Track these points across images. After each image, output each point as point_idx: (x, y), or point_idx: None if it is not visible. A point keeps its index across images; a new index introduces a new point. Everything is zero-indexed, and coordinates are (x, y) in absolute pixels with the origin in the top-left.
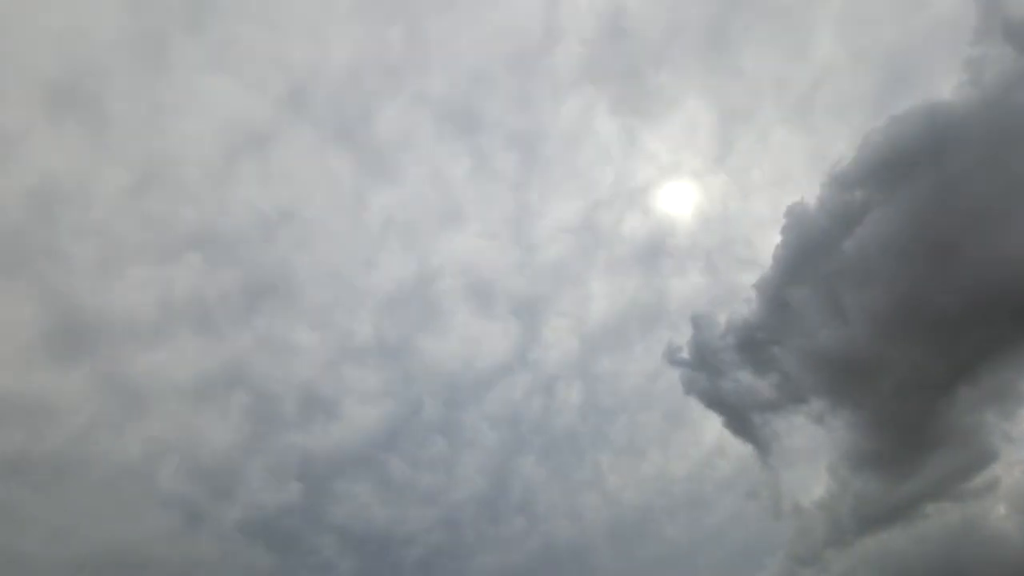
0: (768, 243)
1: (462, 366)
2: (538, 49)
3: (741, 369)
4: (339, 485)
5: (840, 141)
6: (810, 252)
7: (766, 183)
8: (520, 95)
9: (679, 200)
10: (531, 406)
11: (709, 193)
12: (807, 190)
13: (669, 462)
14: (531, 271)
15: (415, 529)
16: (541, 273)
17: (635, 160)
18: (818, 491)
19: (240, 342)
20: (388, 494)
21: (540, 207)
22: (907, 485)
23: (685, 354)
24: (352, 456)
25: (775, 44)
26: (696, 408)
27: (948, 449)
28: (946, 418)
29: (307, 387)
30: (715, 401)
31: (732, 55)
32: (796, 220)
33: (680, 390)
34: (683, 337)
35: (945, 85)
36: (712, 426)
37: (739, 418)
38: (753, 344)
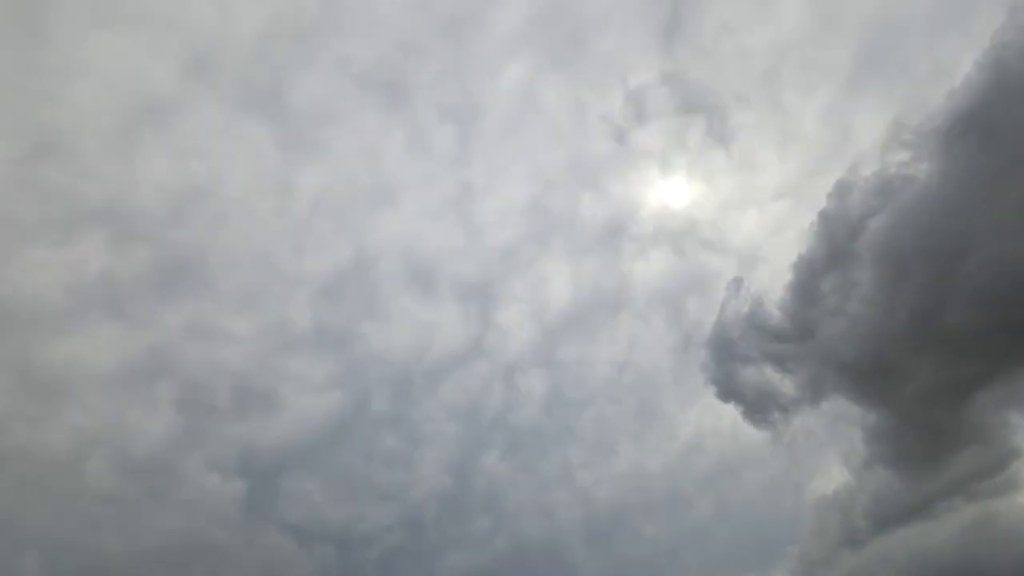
0: (735, 226)
1: (413, 355)
2: (473, 13)
3: (763, 364)
4: (287, 481)
5: (808, 117)
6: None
7: (732, 163)
8: (455, 63)
9: (639, 180)
10: (491, 397)
11: (670, 173)
12: (775, 169)
13: (644, 457)
14: (479, 255)
15: (374, 528)
16: (490, 257)
17: (587, 137)
18: (829, 486)
19: (162, 328)
20: (342, 491)
21: (484, 186)
22: (927, 483)
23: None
24: (299, 451)
25: (738, 9)
26: (670, 402)
27: (970, 448)
28: (968, 418)
29: (242, 377)
30: (731, 392)
31: (692, 20)
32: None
33: (652, 382)
34: (649, 325)
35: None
36: (688, 420)
37: (757, 411)
38: (776, 339)
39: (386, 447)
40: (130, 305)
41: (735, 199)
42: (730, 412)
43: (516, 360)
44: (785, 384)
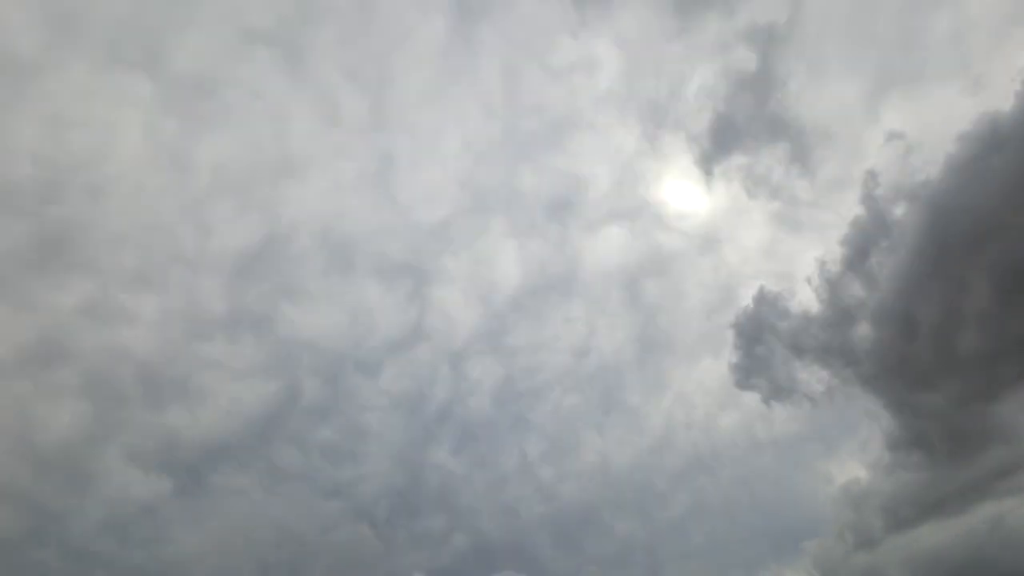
0: (694, 203)
1: (344, 340)
2: None
3: (796, 358)
4: (218, 477)
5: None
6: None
7: (680, 132)
8: (360, 20)
9: (584, 152)
10: (437, 386)
11: (617, 145)
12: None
13: (610, 451)
14: (408, 232)
15: (318, 526)
16: (421, 234)
17: (523, 106)
18: (839, 481)
19: (52, 310)
20: (280, 487)
21: (406, 158)
22: (951, 481)
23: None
24: (228, 443)
25: None
26: (634, 392)
27: (996, 446)
28: (996, 417)
29: (150, 364)
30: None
31: None
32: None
33: (613, 371)
34: (606, 309)
35: None
36: (656, 412)
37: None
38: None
39: (324, 440)
40: (10, 285)
41: (695, 175)
42: (704, 404)
43: (462, 346)
44: (812, 376)
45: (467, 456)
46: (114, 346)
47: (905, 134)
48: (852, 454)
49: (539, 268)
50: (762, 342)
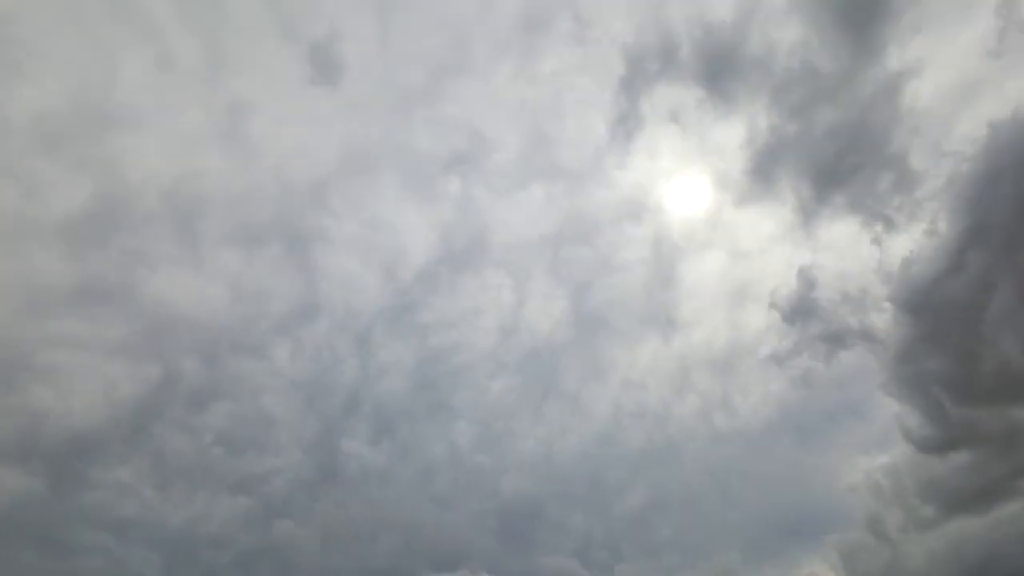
0: (620, 164)
1: (226, 316)
2: None
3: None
4: (95, 470)
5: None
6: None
7: (589, 83)
8: None
9: (481, 104)
10: (339, 368)
11: (521, 97)
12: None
13: (553, 441)
14: (280, 194)
15: (225, 524)
16: (296, 196)
17: (404, 53)
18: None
19: None
20: (173, 481)
21: (261, 109)
22: (990, 472)
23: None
24: (100, 432)
25: None
26: (572, 376)
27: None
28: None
29: None
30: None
31: None
32: None
33: (548, 353)
34: (530, 282)
35: None
36: (601, 398)
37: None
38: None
39: (216, 427)
40: None
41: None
42: (658, 390)
43: (366, 323)
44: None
45: (387, 446)
46: None
47: None
48: (842, 449)
49: (445, 235)
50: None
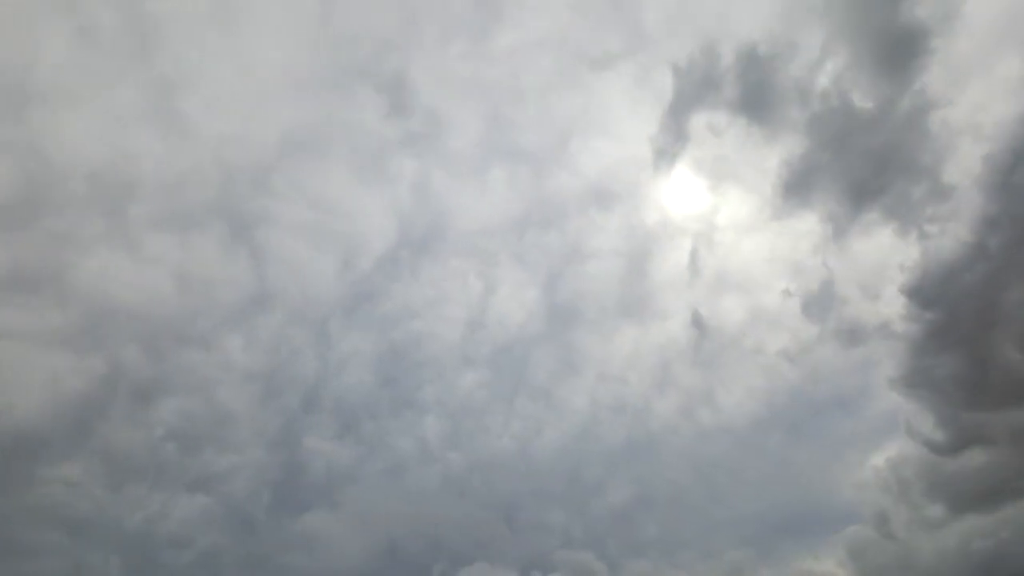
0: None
1: (170, 305)
2: None
3: None
4: (43, 467)
5: None
6: None
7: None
8: None
9: (432, 82)
10: (297, 359)
11: (477, 75)
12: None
13: (529, 437)
14: (221, 176)
15: (184, 523)
16: (238, 179)
17: (348, 28)
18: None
19: None
20: (125, 480)
21: (194, 88)
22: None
23: None
24: (41, 427)
25: None
26: (544, 369)
27: None
28: None
29: None
30: None
31: None
32: None
33: (519, 346)
34: (499, 270)
35: None
36: (576, 392)
37: None
38: None
39: (168, 422)
40: None
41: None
42: (639, 382)
43: (323, 312)
44: None
45: (352, 442)
46: None
47: None
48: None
49: (403, 220)
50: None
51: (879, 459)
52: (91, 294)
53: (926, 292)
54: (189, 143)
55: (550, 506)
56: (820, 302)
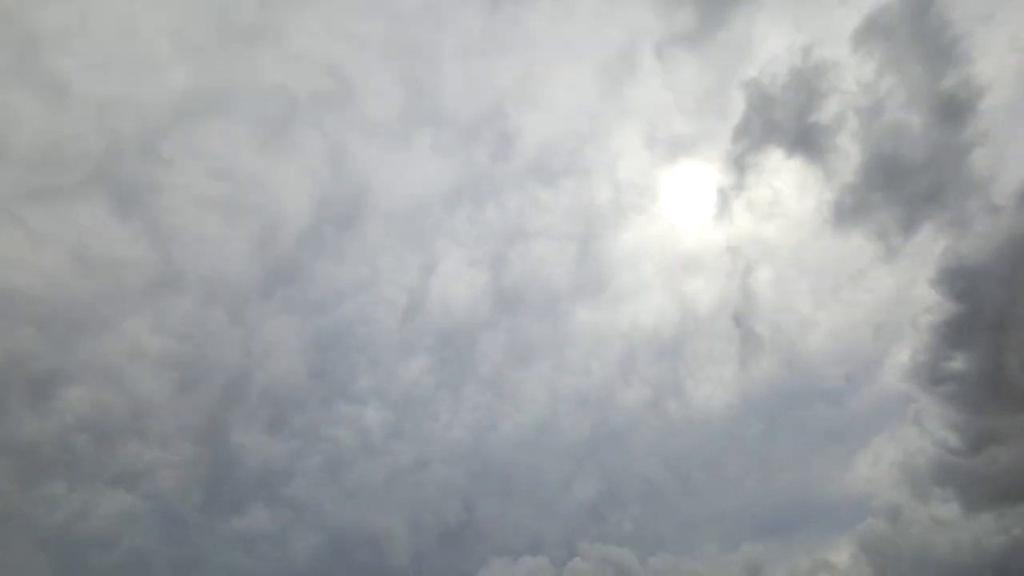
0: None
1: (61, 283)
2: None
3: None
4: None
5: None
6: None
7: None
8: None
9: (336, 41)
10: (215, 344)
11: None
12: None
13: (484, 429)
14: (103, 141)
15: (107, 521)
16: (124, 144)
17: None
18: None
19: None
20: (32, 471)
21: (67, 46)
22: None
23: None
24: None
25: None
26: (494, 356)
27: None
28: None
29: None
30: None
31: None
32: None
33: (464, 330)
34: (417, 248)
35: None
36: (531, 380)
37: None
38: None
39: (76, 413)
40: None
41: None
42: (604, 373)
43: (242, 294)
44: None
45: (286, 435)
46: None
47: None
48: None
49: (320, 190)
50: None
51: (890, 453)
52: None
53: (956, 284)
54: (66, 106)
55: (510, 501)
56: None
